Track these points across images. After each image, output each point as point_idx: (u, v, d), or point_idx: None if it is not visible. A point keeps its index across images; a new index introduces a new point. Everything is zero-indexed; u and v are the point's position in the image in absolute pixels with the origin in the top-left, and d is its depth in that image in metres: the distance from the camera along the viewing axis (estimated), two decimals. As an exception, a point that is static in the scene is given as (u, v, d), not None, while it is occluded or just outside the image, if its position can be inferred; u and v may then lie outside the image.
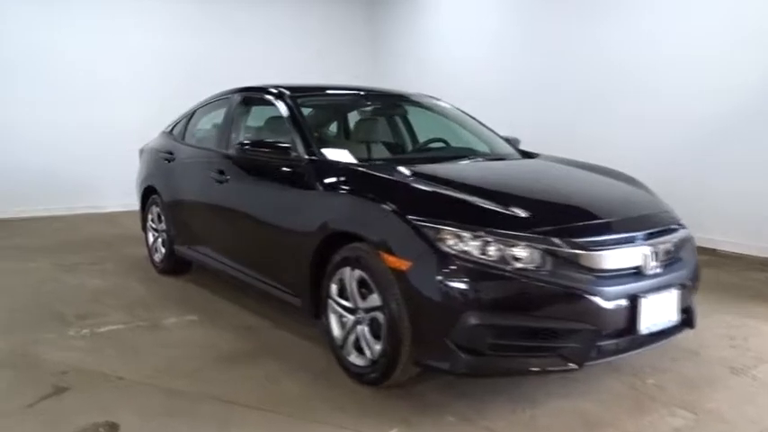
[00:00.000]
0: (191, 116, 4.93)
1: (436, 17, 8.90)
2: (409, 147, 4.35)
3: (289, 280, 3.43)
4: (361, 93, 4.30)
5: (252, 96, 4.22)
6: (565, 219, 2.71)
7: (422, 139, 4.35)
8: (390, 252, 2.66)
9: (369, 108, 4.29)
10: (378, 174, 3.07)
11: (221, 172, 4.01)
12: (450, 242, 2.53)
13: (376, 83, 8.57)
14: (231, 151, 4.00)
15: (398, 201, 2.77)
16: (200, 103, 4.92)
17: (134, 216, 7.78)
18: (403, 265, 2.61)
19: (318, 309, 3.21)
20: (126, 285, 4.76)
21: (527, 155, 3.99)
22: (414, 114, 4.39)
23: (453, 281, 2.49)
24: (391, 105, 4.36)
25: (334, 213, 3.06)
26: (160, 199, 4.91)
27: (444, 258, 2.51)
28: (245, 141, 3.58)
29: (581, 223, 2.71)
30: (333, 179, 3.17)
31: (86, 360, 3.30)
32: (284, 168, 3.44)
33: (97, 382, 3.03)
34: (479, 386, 2.90)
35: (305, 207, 3.24)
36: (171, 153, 4.81)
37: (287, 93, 3.86)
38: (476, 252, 2.50)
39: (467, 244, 2.51)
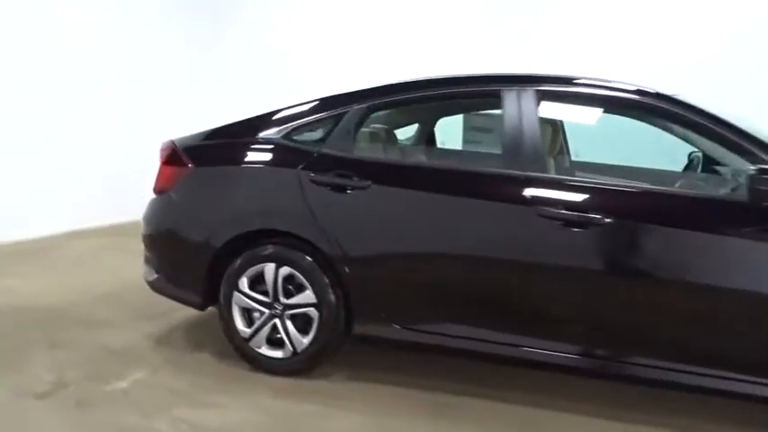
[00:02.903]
0: (391, 114, 3.33)
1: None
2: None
3: None
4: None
5: (589, 94, 2.95)
6: None
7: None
8: None
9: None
10: None
11: (583, 211, 2.56)
12: None
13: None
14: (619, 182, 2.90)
15: None
16: (386, 90, 3.16)
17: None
18: None
19: None
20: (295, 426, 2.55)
21: None
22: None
23: None
24: None
25: None
26: (303, 255, 2.99)
27: None
28: None
29: None
30: None
31: None
32: None
33: None
34: None
35: None
36: (356, 176, 2.87)
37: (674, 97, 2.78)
38: None
39: None
